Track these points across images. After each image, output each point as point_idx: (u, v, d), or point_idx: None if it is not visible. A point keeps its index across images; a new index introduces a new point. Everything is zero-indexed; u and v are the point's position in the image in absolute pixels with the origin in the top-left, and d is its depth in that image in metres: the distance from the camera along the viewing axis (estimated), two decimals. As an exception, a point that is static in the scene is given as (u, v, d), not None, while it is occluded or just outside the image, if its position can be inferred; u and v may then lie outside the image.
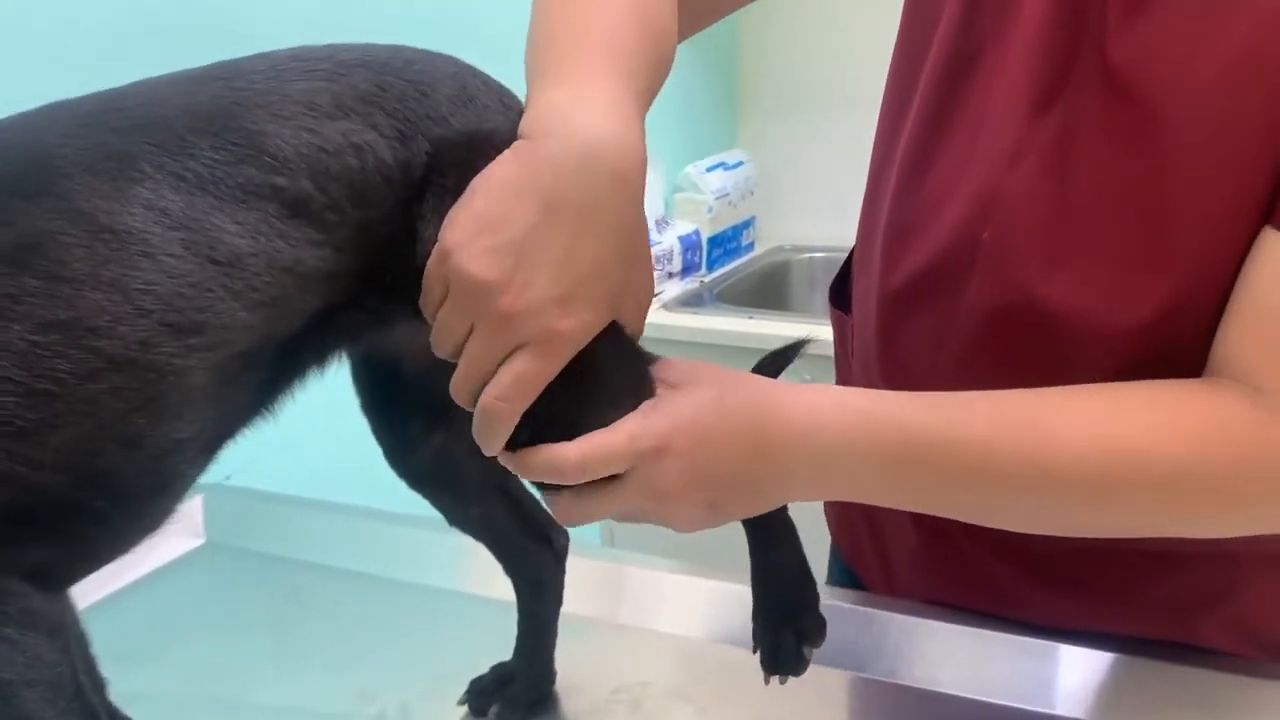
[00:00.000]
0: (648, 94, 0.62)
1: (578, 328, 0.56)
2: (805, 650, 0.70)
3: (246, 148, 0.55)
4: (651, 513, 0.61)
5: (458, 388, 0.58)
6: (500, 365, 0.56)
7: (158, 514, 0.58)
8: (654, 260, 2.17)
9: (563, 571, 0.80)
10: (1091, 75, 0.67)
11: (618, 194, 0.56)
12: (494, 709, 0.81)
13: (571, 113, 0.57)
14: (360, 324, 0.63)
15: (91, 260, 0.51)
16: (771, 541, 0.71)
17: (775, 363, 0.77)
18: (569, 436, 0.59)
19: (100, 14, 1.13)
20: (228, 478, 1.15)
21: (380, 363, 0.71)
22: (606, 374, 0.61)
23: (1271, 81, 0.61)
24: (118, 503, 0.54)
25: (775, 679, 0.71)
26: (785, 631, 0.71)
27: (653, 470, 0.59)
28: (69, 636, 0.55)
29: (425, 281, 0.58)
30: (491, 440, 0.59)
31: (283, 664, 0.90)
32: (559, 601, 0.81)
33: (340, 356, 0.68)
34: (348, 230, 0.58)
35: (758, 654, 0.71)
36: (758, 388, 0.62)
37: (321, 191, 0.56)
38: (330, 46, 0.62)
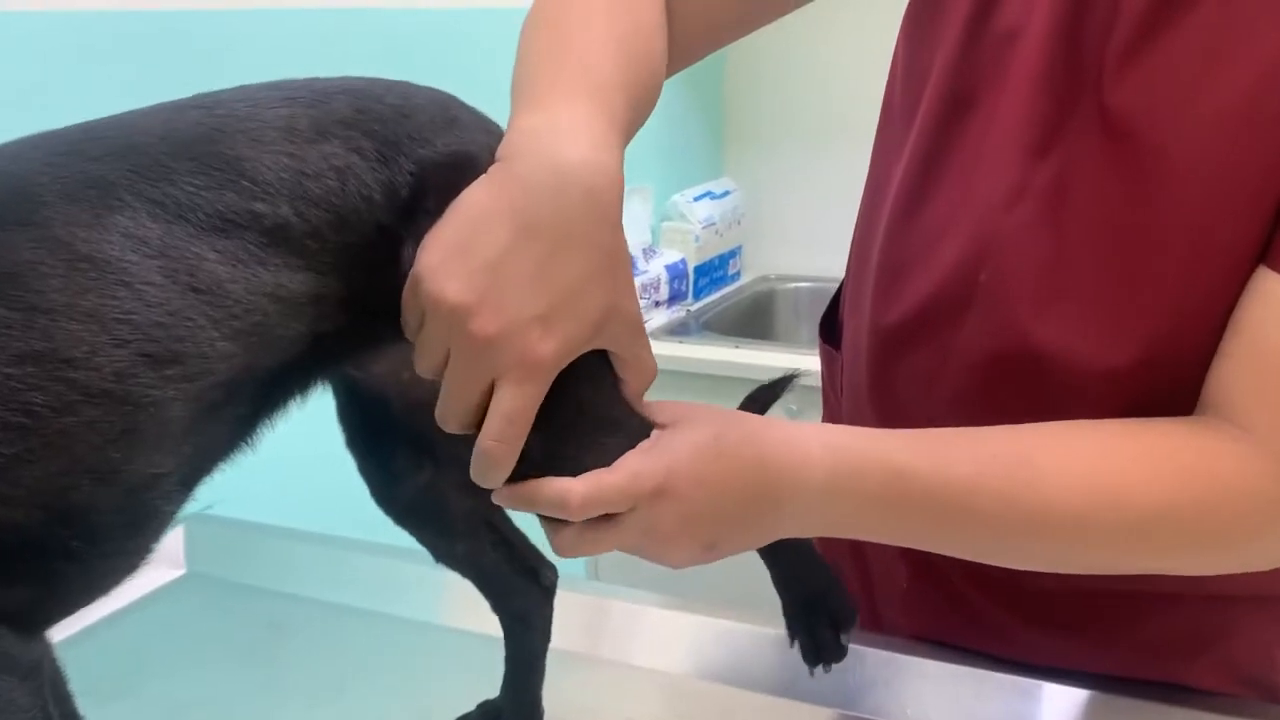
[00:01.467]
0: (628, 120, 0.62)
1: (556, 350, 0.55)
2: (843, 638, 0.73)
3: (226, 173, 0.54)
4: (648, 550, 0.61)
5: (442, 414, 0.58)
6: (487, 398, 0.56)
7: (134, 552, 0.56)
8: (640, 289, 2.18)
9: (550, 607, 0.79)
10: (1090, 119, 0.68)
11: (591, 213, 0.56)
12: None
13: (545, 136, 0.57)
14: (344, 349, 0.62)
15: (69, 290, 0.50)
16: (779, 545, 0.71)
17: (764, 397, 0.77)
18: (563, 469, 0.58)
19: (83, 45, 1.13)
20: (209, 507, 1.14)
21: (367, 399, 0.70)
22: (596, 405, 0.60)
23: (1271, 129, 0.61)
24: (93, 540, 0.52)
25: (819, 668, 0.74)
26: (819, 623, 0.73)
27: (652, 511, 0.59)
28: (44, 679, 0.53)
29: (403, 306, 0.58)
30: (492, 481, 0.58)
31: (265, 698, 0.89)
32: (547, 637, 0.80)
33: (323, 384, 0.67)
34: (330, 255, 0.57)
35: (796, 647, 0.74)
36: (751, 427, 0.62)
37: (301, 217, 0.56)
38: (309, 78, 0.61)
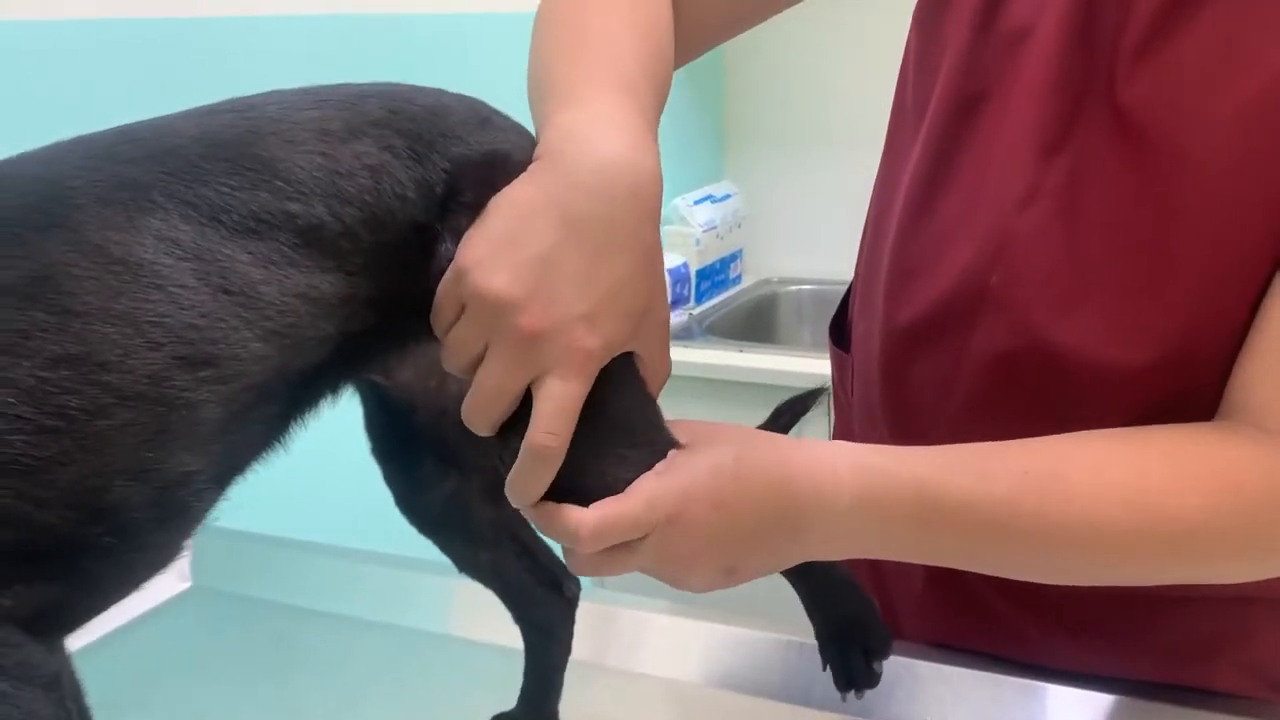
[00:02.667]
0: (655, 114, 0.62)
1: (604, 345, 0.55)
2: (875, 665, 0.72)
3: (260, 174, 0.54)
4: (665, 575, 0.60)
5: (474, 410, 0.57)
6: (531, 393, 0.55)
7: (166, 549, 0.56)
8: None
9: (573, 620, 0.79)
10: (1102, 118, 0.67)
11: (636, 211, 0.56)
12: None
13: (588, 133, 0.57)
14: (373, 350, 0.62)
15: (103, 293, 0.50)
16: (807, 567, 0.70)
17: (793, 409, 0.77)
18: (585, 479, 0.57)
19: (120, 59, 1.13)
20: (214, 519, 1.14)
21: (393, 408, 0.70)
22: (624, 412, 0.59)
23: None
24: (125, 537, 0.52)
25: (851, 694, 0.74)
26: (852, 649, 0.72)
27: (669, 537, 0.58)
28: (65, 691, 0.53)
29: (438, 299, 0.57)
30: (537, 484, 0.57)
31: (274, 712, 0.88)
32: (568, 650, 0.79)
33: (353, 385, 0.67)
34: (363, 254, 0.57)
35: (828, 671, 0.73)
36: (774, 447, 0.61)
37: (335, 216, 0.56)
38: (340, 84, 0.61)
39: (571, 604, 0.78)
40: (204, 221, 0.53)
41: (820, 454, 0.61)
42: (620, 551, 0.58)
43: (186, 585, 1.08)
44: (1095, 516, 0.61)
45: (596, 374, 0.56)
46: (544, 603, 0.77)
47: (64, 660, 0.55)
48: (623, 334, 0.56)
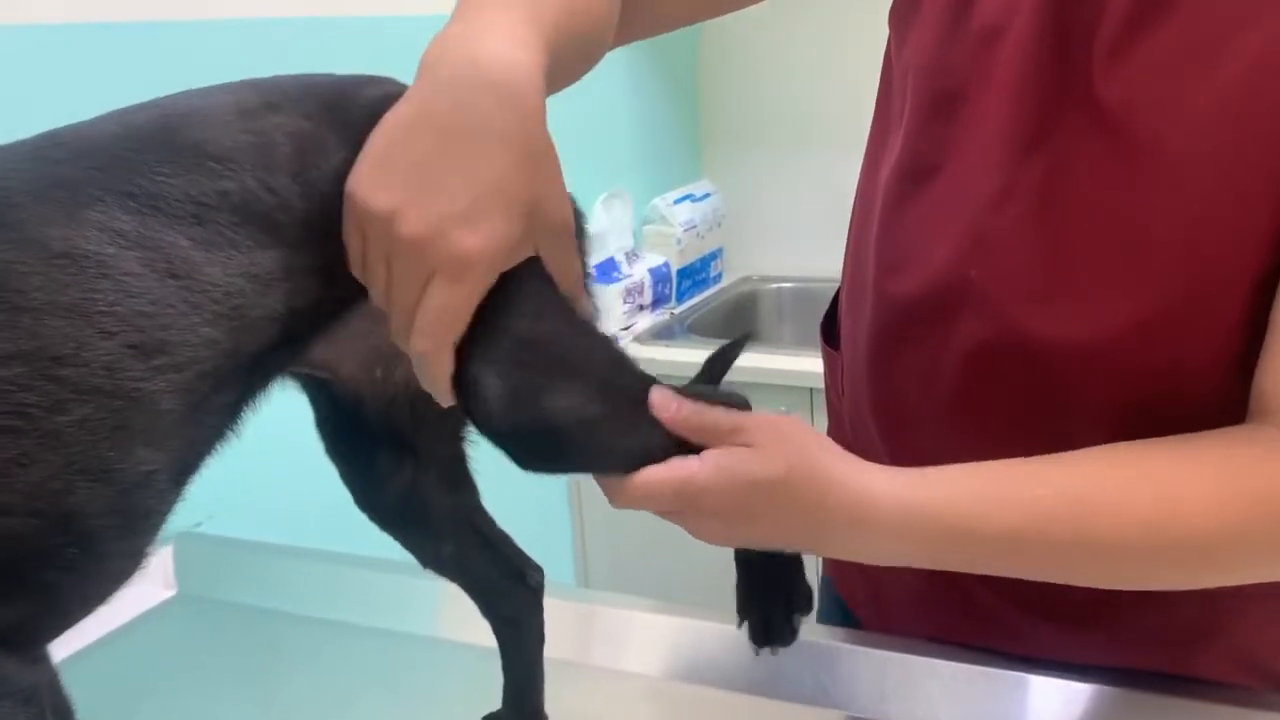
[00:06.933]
0: (551, 27, 0.61)
1: (485, 244, 0.55)
2: (795, 619, 0.70)
3: (190, 157, 0.55)
4: (689, 529, 0.63)
5: (395, 331, 0.58)
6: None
7: (129, 556, 0.55)
8: (624, 293, 2.17)
9: (540, 609, 0.79)
10: (1080, 114, 0.68)
11: (508, 107, 0.56)
12: None
13: (459, 43, 0.57)
14: (318, 322, 0.62)
15: (50, 287, 0.49)
16: None
17: (724, 358, 0.76)
18: (540, 404, 0.59)
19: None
20: (198, 525, 1.13)
21: (342, 405, 0.70)
22: (554, 334, 0.61)
23: (1269, 120, 0.61)
24: (88, 546, 0.52)
25: (766, 650, 0.72)
26: (773, 603, 0.70)
27: (698, 518, 0.62)
28: (45, 705, 0.52)
29: (344, 235, 0.58)
30: (435, 384, 0.58)
31: (264, 718, 0.88)
32: (541, 641, 0.80)
33: (301, 379, 0.67)
34: (299, 224, 0.57)
35: (744, 628, 0.71)
36: (822, 471, 0.62)
37: (268, 189, 0.56)
38: (245, 79, 0.63)
39: (537, 593, 0.79)
40: (143, 210, 0.53)
41: (863, 483, 0.63)
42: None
43: (172, 593, 1.08)
44: (1124, 537, 0.62)
45: (487, 276, 0.56)
46: (509, 594, 0.78)
47: (46, 672, 0.54)
48: (507, 232, 0.56)
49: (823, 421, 0.97)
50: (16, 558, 0.49)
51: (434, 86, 0.56)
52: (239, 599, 1.04)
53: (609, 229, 2.20)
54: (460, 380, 0.59)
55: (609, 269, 2.16)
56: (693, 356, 2.05)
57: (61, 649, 0.55)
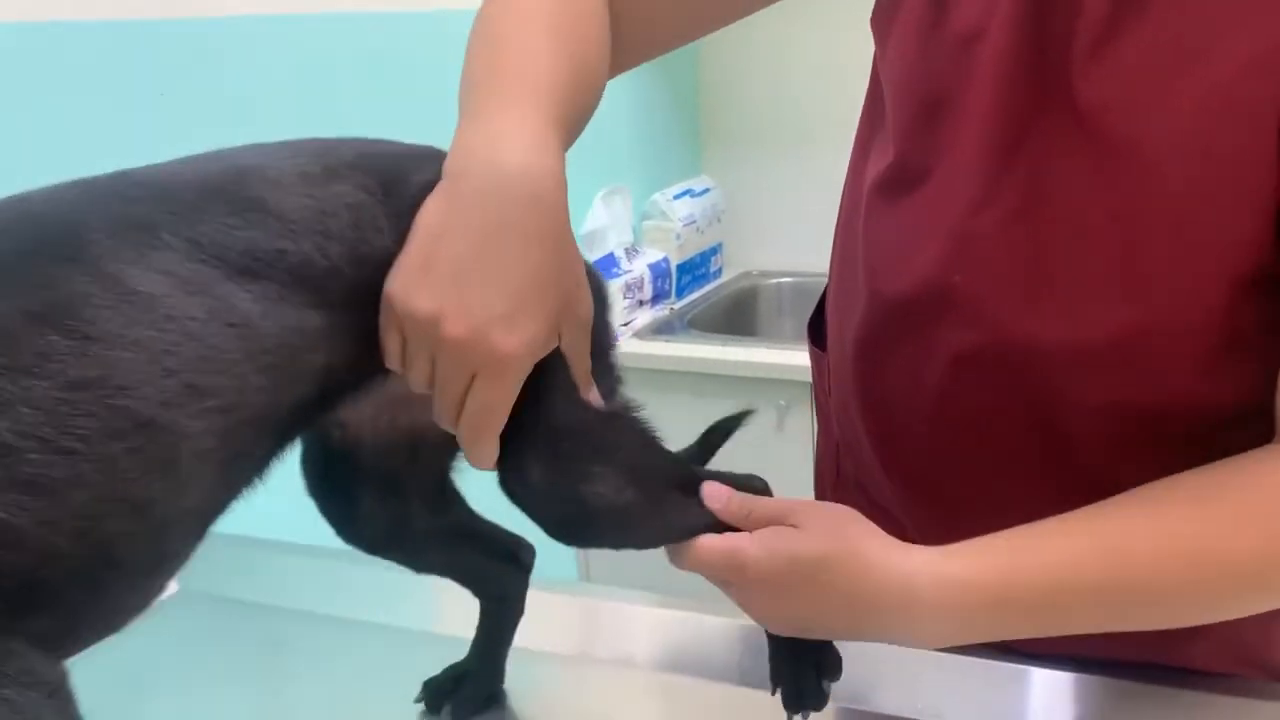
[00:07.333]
0: (568, 114, 0.65)
1: (522, 343, 0.59)
2: (825, 685, 0.72)
3: (255, 212, 0.58)
4: (737, 599, 0.67)
5: (440, 415, 0.62)
6: (467, 390, 0.60)
7: (146, 592, 0.57)
8: (624, 289, 2.18)
9: (526, 583, 0.82)
10: (1060, 116, 0.68)
11: (537, 212, 0.59)
12: (447, 707, 0.83)
13: (486, 148, 0.60)
14: (351, 383, 0.65)
15: (119, 321, 0.52)
16: None
17: (724, 429, 0.79)
18: (567, 488, 0.64)
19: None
20: (201, 524, 1.14)
21: (334, 448, 0.72)
22: (578, 420, 0.65)
23: (1248, 123, 0.62)
24: (120, 574, 0.54)
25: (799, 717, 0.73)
26: (804, 669, 0.72)
27: (745, 590, 0.66)
28: (71, 699, 0.54)
29: (381, 333, 0.61)
30: (481, 461, 0.63)
31: (265, 715, 0.88)
32: (521, 611, 0.83)
33: (325, 419, 0.69)
34: (346, 289, 0.60)
35: (778, 695, 0.73)
36: (860, 560, 0.64)
37: (322, 253, 0.59)
38: (308, 138, 0.65)
39: (527, 570, 0.82)
40: (207, 258, 0.55)
41: (899, 563, 0.64)
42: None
43: (174, 590, 1.08)
44: (1172, 588, 0.64)
45: (524, 372, 0.60)
46: (501, 575, 0.81)
47: (64, 671, 0.55)
48: (541, 333, 0.60)
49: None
50: (57, 576, 0.51)
51: (464, 197, 0.59)
52: (241, 595, 1.05)
53: (609, 224, 2.20)
54: (503, 459, 0.63)
55: (609, 264, 2.17)
56: (692, 352, 2.06)
57: (65, 648, 0.56)
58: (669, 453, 0.69)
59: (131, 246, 0.54)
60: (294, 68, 1.43)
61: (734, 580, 0.65)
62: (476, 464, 0.63)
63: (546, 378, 0.62)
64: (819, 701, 0.72)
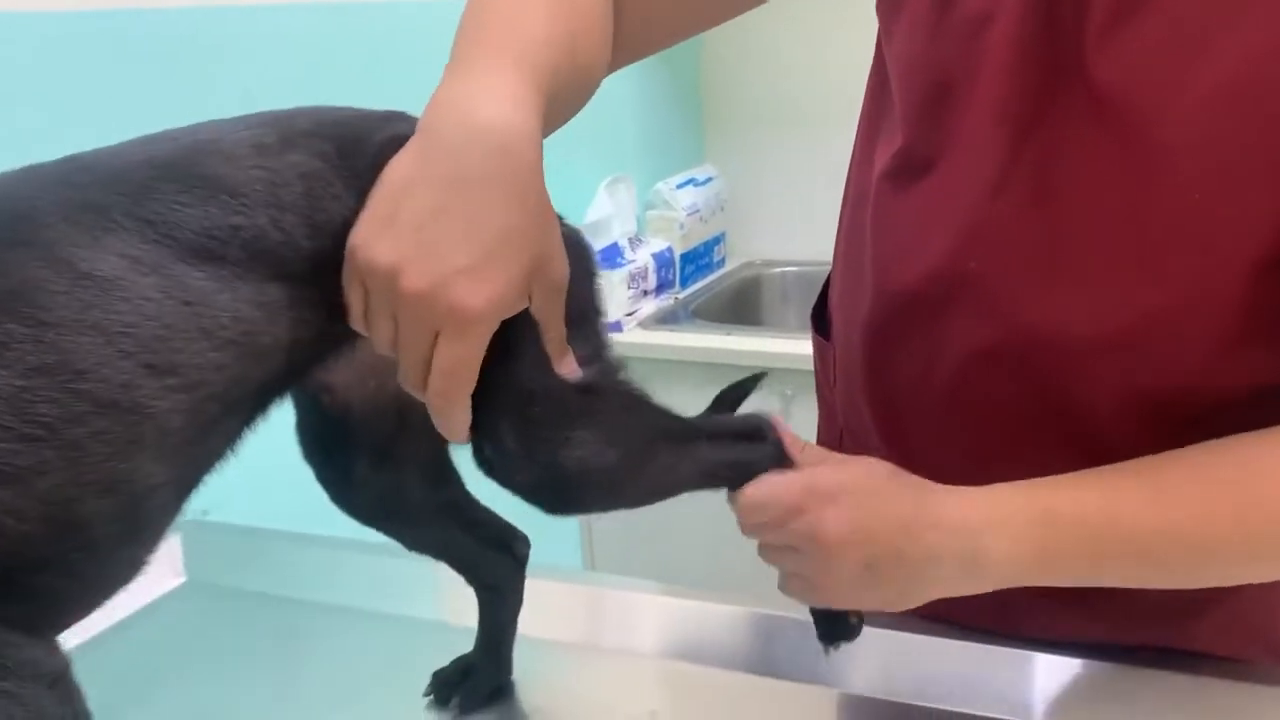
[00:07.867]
0: (551, 90, 0.63)
1: (487, 300, 0.57)
2: (853, 619, 0.74)
3: (207, 189, 0.57)
4: (809, 562, 0.65)
5: (404, 378, 0.60)
6: (432, 351, 0.58)
7: (130, 565, 0.58)
8: (629, 279, 2.17)
9: (523, 577, 0.82)
10: (1073, 97, 0.67)
11: (509, 167, 0.57)
12: (455, 699, 0.83)
13: (462, 104, 0.59)
14: (320, 352, 0.65)
15: (74, 305, 0.52)
16: None
17: (735, 394, 0.78)
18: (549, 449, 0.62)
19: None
20: (205, 513, 1.14)
21: (327, 412, 0.72)
22: (535, 351, 0.62)
23: (1267, 105, 0.61)
24: (92, 553, 0.54)
25: (833, 648, 0.76)
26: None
27: (821, 516, 0.64)
28: (72, 687, 0.54)
29: (345, 288, 0.60)
30: (452, 430, 0.61)
31: (274, 705, 0.88)
32: (519, 604, 0.83)
33: (298, 389, 0.69)
34: (305, 259, 0.60)
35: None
36: (913, 479, 0.67)
37: (277, 226, 0.58)
38: (264, 111, 0.64)
39: (521, 563, 0.82)
40: (161, 237, 0.55)
41: (952, 491, 0.67)
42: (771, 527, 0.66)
43: (180, 580, 1.09)
44: (1207, 533, 0.65)
45: (489, 329, 0.58)
46: (494, 564, 0.81)
47: (66, 660, 0.56)
48: (509, 291, 0.58)
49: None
50: (26, 562, 0.51)
51: (435, 148, 0.58)
52: (247, 585, 1.05)
53: (612, 214, 2.20)
54: (475, 427, 0.61)
55: (613, 254, 2.16)
56: (697, 341, 2.05)
57: (72, 637, 0.56)
58: (657, 407, 0.67)
59: (84, 230, 0.54)
60: (295, 57, 1.43)
61: (807, 506, 0.65)
62: (449, 434, 0.61)
63: (516, 340, 0.60)
64: (851, 634, 0.74)
